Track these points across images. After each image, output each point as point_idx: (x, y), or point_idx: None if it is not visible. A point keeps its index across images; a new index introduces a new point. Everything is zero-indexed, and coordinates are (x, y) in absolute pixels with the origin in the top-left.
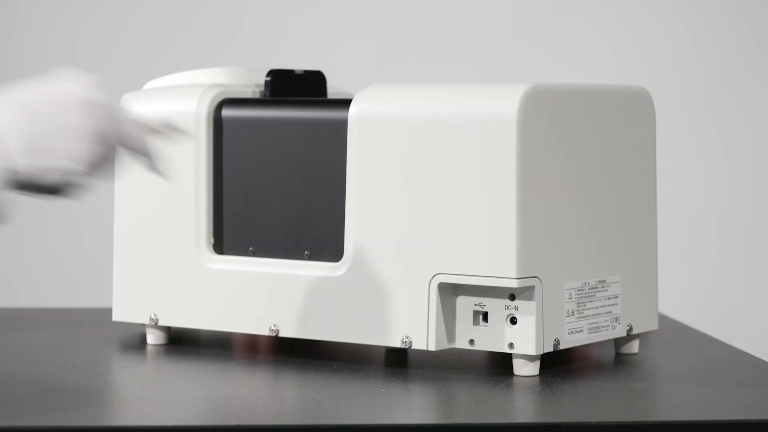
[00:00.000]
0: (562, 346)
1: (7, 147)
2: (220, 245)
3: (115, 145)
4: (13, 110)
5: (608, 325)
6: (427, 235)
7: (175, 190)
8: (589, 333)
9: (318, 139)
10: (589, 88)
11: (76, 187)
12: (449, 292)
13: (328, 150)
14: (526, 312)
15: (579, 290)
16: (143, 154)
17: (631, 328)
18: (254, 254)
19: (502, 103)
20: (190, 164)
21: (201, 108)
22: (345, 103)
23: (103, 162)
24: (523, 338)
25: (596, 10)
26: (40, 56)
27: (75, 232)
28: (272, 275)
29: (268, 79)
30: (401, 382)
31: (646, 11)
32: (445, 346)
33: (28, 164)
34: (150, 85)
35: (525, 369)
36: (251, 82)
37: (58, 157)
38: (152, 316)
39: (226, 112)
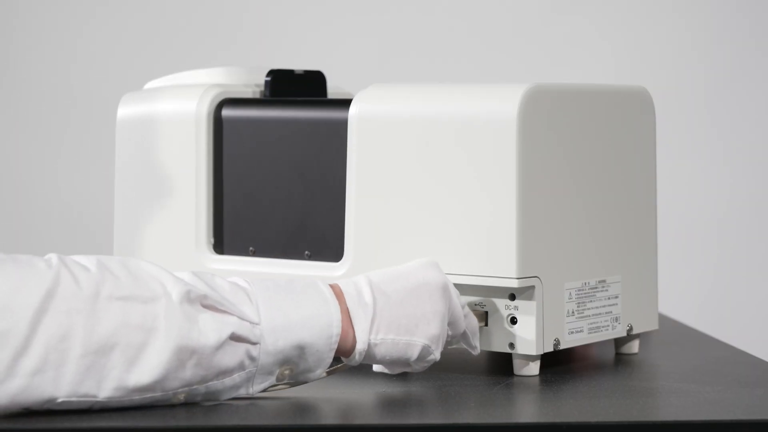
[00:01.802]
0: (562, 346)
1: (380, 324)
2: (220, 245)
3: (450, 324)
4: (388, 296)
5: (608, 325)
6: (427, 234)
7: (176, 190)
8: (589, 333)
9: (318, 139)
10: (589, 88)
11: (425, 362)
12: None
13: (329, 150)
14: (527, 312)
15: (579, 290)
16: (460, 333)
17: (631, 328)
18: (254, 254)
19: (503, 103)
20: (191, 164)
21: (201, 108)
22: (345, 103)
23: (444, 342)
24: (523, 338)
25: (596, 10)
26: (40, 56)
27: (75, 233)
28: (272, 275)
29: (268, 79)
30: (401, 382)
31: (646, 11)
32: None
33: (395, 339)
34: (150, 84)
35: (525, 369)
36: (251, 82)
37: (419, 335)
38: None
39: (226, 112)
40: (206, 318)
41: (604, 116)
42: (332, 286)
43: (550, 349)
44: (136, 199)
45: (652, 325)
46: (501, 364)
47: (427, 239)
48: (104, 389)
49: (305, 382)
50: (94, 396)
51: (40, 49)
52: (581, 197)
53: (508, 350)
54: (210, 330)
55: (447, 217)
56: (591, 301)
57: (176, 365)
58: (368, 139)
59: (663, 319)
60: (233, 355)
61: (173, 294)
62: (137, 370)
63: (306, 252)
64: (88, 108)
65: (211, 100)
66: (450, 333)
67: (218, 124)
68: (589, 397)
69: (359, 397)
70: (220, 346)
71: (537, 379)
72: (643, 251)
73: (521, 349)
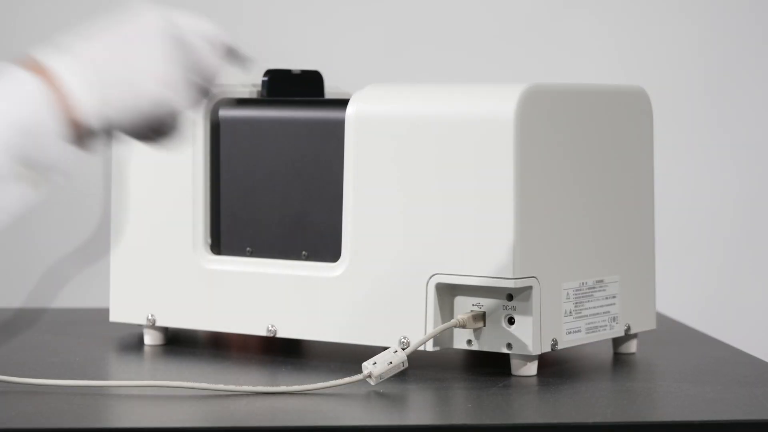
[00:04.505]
0: (560, 346)
1: (96, 81)
2: (217, 245)
3: (192, 69)
4: (94, 53)
5: (606, 325)
6: (425, 235)
7: (173, 191)
8: (587, 333)
9: (315, 139)
10: (587, 88)
11: (172, 121)
12: (447, 292)
13: (326, 150)
14: (524, 312)
15: (577, 290)
16: (209, 79)
17: (629, 328)
18: (252, 254)
19: (500, 103)
20: (188, 164)
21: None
22: (342, 103)
23: (186, 88)
24: (521, 338)
25: (595, 10)
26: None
27: (72, 232)
28: (270, 275)
29: (266, 79)
30: (399, 383)
31: (643, 11)
32: (443, 346)
33: (119, 91)
34: None
35: (523, 369)
36: (248, 81)
37: (144, 78)
38: (149, 317)
39: (224, 113)
40: None
41: (601, 116)
42: (32, 65)
43: (548, 349)
44: (134, 200)
45: (650, 325)
46: (499, 365)
47: (424, 239)
48: None
49: (59, 173)
50: None
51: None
52: (579, 197)
53: (505, 350)
54: None
55: (444, 217)
56: (589, 301)
57: None
58: (365, 139)
59: (661, 319)
60: None
61: None
62: None
63: (303, 252)
64: None
65: (208, 100)
66: (201, 81)
67: (215, 125)
68: (587, 397)
69: (357, 398)
70: None
71: (535, 379)
72: (640, 251)
73: (519, 349)
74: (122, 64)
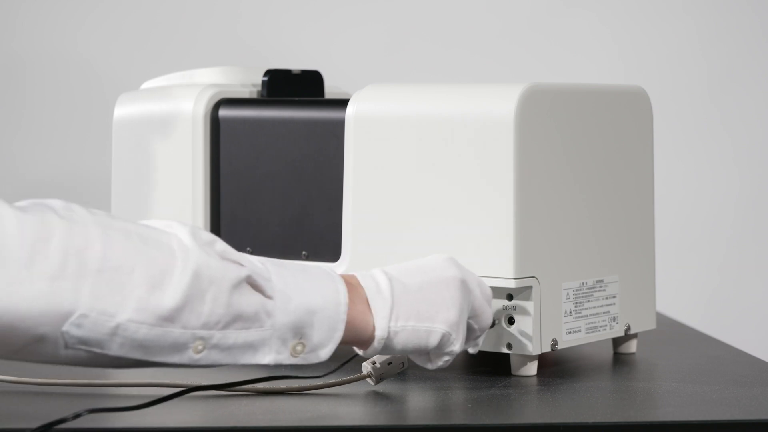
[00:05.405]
0: (559, 346)
1: (399, 311)
2: None
3: (472, 316)
4: (405, 285)
5: (606, 325)
6: (425, 234)
7: (173, 190)
8: (586, 333)
9: (315, 139)
10: (586, 88)
11: (445, 354)
12: None
13: (326, 150)
14: (524, 312)
15: (577, 290)
16: (487, 326)
17: (628, 328)
18: (252, 254)
19: (500, 103)
20: (188, 164)
21: (198, 108)
22: (342, 103)
23: (464, 330)
24: (520, 338)
25: (596, 10)
26: (37, 56)
27: None
28: None
29: (266, 78)
30: (399, 383)
31: (645, 11)
32: None
33: (415, 326)
34: (147, 84)
35: (523, 369)
36: (248, 81)
37: (438, 322)
38: None
39: (223, 112)
40: (219, 259)
41: (601, 116)
42: (348, 277)
43: (548, 349)
44: (133, 199)
45: (649, 325)
46: (499, 365)
47: (424, 239)
48: (125, 308)
49: (316, 362)
50: (113, 315)
51: (37, 50)
52: (578, 197)
53: (505, 350)
54: (226, 267)
55: (444, 217)
56: (588, 300)
57: (195, 293)
58: (365, 139)
59: (661, 318)
60: (250, 301)
61: (182, 232)
62: (158, 291)
63: (303, 252)
64: (84, 108)
65: (208, 100)
66: (476, 327)
67: (215, 124)
68: (587, 397)
69: (356, 398)
70: (237, 285)
71: (535, 379)
72: (640, 251)
73: (519, 349)
74: (426, 303)
